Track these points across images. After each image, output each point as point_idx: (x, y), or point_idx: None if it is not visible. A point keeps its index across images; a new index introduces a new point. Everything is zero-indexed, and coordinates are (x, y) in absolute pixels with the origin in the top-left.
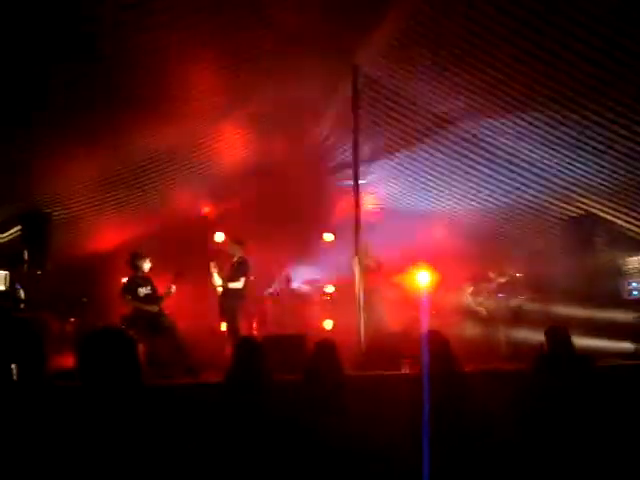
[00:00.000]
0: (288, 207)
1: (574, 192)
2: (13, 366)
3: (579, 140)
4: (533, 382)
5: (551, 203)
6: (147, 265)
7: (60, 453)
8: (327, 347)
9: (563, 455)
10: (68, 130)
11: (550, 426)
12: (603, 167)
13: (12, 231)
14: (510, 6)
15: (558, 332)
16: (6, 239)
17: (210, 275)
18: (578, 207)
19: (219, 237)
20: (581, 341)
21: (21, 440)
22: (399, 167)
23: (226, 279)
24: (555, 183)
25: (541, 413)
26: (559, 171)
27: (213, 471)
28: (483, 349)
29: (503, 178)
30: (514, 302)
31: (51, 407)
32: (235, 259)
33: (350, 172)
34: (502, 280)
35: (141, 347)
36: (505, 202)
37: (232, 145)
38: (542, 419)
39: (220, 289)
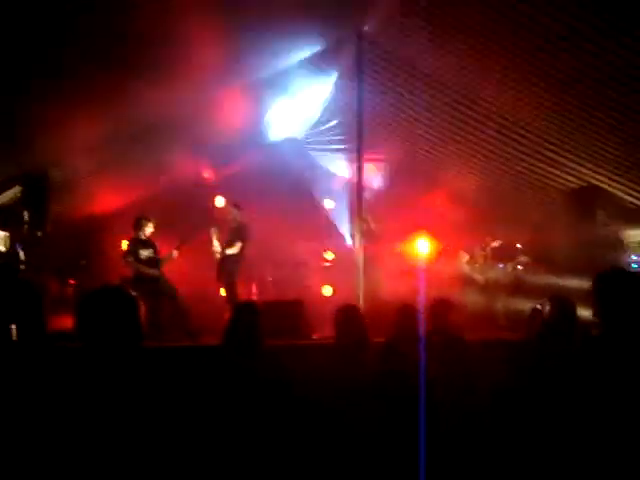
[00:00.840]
0: (288, 173)
1: (576, 163)
2: (13, 326)
3: (583, 110)
4: (537, 349)
5: (552, 174)
6: (149, 229)
7: (59, 414)
8: (352, 311)
9: (568, 424)
10: (69, 89)
11: (553, 395)
12: (608, 139)
13: (12, 191)
14: None
15: (563, 301)
16: (7, 200)
17: (210, 241)
18: (580, 178)
19: (219, 202)
20: (579, 312)
21: (20, 401)
22: (401, 133)
23: (224, 245)
24: (557, 153)
25: (544, 381)
26: (561, 141)
27: (208, 433)
28: (481, 318)
29: (504, 147)
30: (510, 269)
31: (50, 367)
32: (234, 224)
33: None
34: (496, 244)
35: (142, 309)
36: (506, 171)
37: (232, 111)
38: (545, 388)
39: (218, 255)
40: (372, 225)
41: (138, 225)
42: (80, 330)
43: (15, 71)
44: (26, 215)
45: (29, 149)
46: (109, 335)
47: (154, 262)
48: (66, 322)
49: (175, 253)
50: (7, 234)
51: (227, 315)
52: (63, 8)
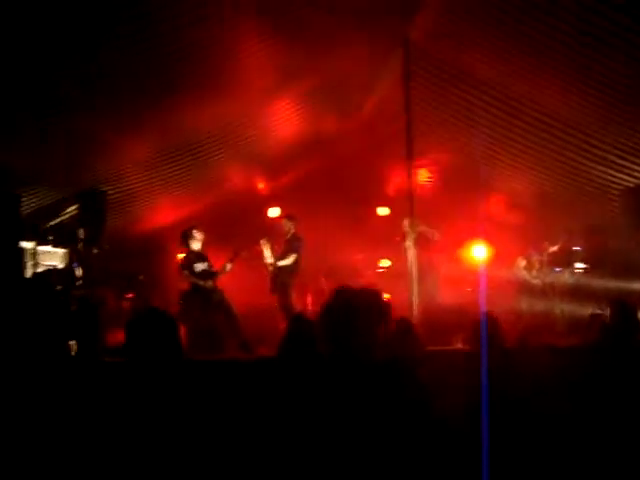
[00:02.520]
0: (341, 181)
1: (632, 162)
2: (72, 342)
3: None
4: (598, 354)
5: (608, 174)
6: (198, 240)
7: (103, 427)
8: (406, 325)
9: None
10: (125, 108)
11: (620, 400)
12: None
13: (69, 210)
14: None
15: (624, 304)
16: (64, 217)
17: (261, 252)
18: (636, 177)
19: (273, 212)
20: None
21: (69, 415)
22: (453, 139)
23: (277, 256)
24: (614, 154)
25: (609, 387)
26: (617, 141)
27: (264, 447)
28: (540, 323)
29: (561, 150)
30: (569, 274)
31: (98, 382)
32: (288, 236)
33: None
34: (554, 249)
35: (196, 322)
36: (562, 174)
37: (284, 121)
38: (611, 393)
39: (271, 267)
40: (426, 231)
41: (185, 237)
42: (126, 348)
43: (73, 92)
44: (82, 233)
45: (85, 168)
46: (151, 352)
47: (209, 275)
48: (122, 336)
49: (229, 266)
50: (65, 251)
51: (282, 326)
52: (119, 31)
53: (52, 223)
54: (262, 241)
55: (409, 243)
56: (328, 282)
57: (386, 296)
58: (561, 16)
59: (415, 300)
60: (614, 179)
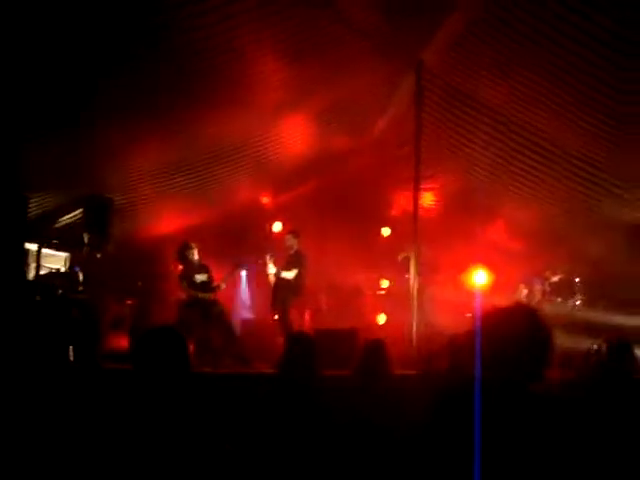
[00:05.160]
0: (346, 200)
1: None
2: (70, 347)
3: None
4: (588, 390)
5: (614, 208)
6: (197, 255)
7: (104, 434)
8: (377, 347)
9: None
10: (133, 118)
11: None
12: None
13: (74, 214)
14: (581, 5)
15: (621, 343)
16: (69, 221)
17: (265, 265)
18: None
19: (277, 227)
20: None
21: (67, 421)
22: (460, 164)
23: (280, 268)
24: (620, 187)
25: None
26: (624, 175)
27: (258, 462)
28: None
29: (565, 180)
30: (569, 305)
31: (99, 388)
32: (291, 252)
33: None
34: (555, 279)
35: (194, 332)
36: (568, 204)
37: (294, 138)
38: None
39: (273, 279)
40: (427, 254)
41: (184, 250)
42: (135, 361)
43: (82, 99)
44: (86, 237)
45: (93, 173)
46: (160, 365)
47: (209, 286)
48: (122, 342)
49: (229, 279)
50: (68, 255)
51: (280, 341)
52: (133, 44)
53: (57, 226)
54: (267, 256)
55: (411, 266)
56: (328, 300)
57: (384, 317)
58: (572, 49)
59: (414, 322)
60: (620, 213)
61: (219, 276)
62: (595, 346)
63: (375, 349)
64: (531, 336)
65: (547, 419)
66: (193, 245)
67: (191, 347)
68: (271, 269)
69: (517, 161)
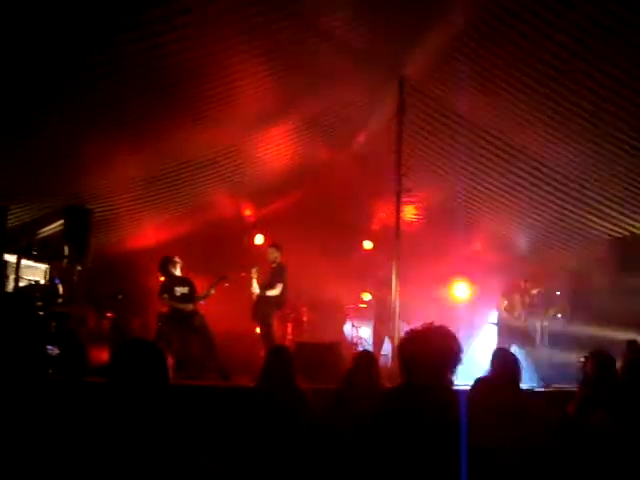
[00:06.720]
0: (328, 213)
1: (618, 212)
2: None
3: (629, 158)
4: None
5: (594, 222)
6: (178, 269)
7: (79, 447)
8: (367, 359)
9: None
10: (113, 128)
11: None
12: None
13: (54, 225)
14: (563, 22)
15: (605, 357)
16: (48, 233)
17: (249, 280)
18: (623, 228)
19: (259, 239)
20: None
21: (44, 434)
22: (441, 178)
23: (263, 286)
24: (600, 202)
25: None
26: (603, 190)
27: (234, 472)
28: None
29: (546, 194)
30: (548, 318)
31: (77, 401)
32: (274, 265)
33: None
34: (534, 292)
35: (173, 345)
36: (547, 218)
37: (275, 150)
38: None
39: (255, 297)
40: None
41: (166, 263)
42: (111, 374)
43: (60, 108)
44: (66, 249)
45: (73, 184)
46: (137, 379)
47: (189, 299)
48: (102, 355)
49: (212, 291)
50: (47, 267)
51: (261, 353)
52: (112, 51)
53: (37, 237)
54: (253, 270)
55: (393, 279)
56: (309, 313)
57: (366, 330)
58: (555, 65)
59: (397, 335)
60: (602, 228)
61: (203, 287)
62: (582, 359)
63: (366, 362)
64: (445, 350)
65: None
66: (177, 259)
67: (170, 360)
68: (255, 288)
69: (497, 174)
